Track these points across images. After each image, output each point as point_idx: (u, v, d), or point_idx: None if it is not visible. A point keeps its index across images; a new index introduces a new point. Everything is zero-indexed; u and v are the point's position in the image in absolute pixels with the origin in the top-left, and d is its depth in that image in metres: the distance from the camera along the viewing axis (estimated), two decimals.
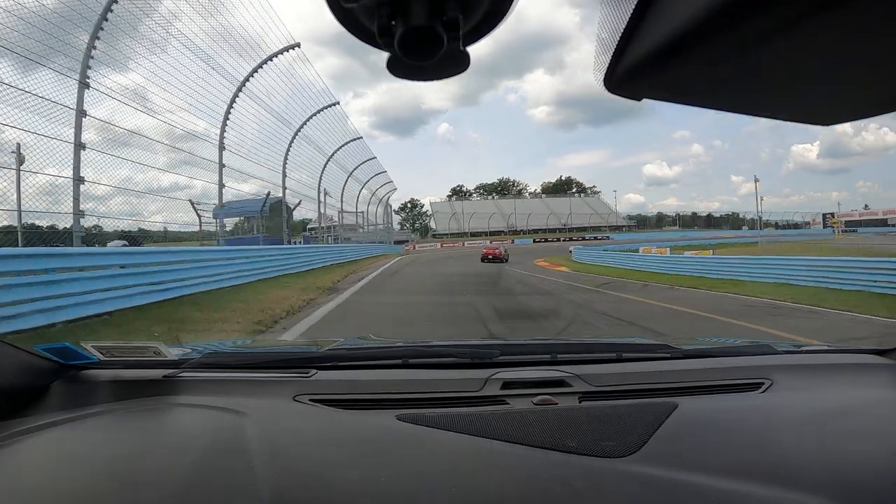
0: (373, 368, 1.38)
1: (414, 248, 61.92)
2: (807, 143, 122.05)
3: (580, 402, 1.18)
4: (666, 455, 0.93)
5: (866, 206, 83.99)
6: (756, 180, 45.81)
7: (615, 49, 0.42)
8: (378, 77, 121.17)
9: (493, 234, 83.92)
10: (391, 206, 48.84)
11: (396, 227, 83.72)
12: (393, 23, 0.44)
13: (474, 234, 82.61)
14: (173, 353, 1.41)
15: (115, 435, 1.06)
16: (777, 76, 0.42)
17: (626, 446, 0.95)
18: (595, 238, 75.37)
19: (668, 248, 26.37)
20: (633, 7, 0.39)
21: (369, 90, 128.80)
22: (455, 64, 0.49)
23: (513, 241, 71.26)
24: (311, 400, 1.17)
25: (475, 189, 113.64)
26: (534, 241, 73.89)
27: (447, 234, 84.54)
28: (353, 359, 1.46)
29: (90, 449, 1.00)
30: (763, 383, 1.28)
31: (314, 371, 1.31)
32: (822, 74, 0.42)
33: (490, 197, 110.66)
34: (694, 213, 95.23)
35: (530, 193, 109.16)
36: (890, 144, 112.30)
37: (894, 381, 1.36)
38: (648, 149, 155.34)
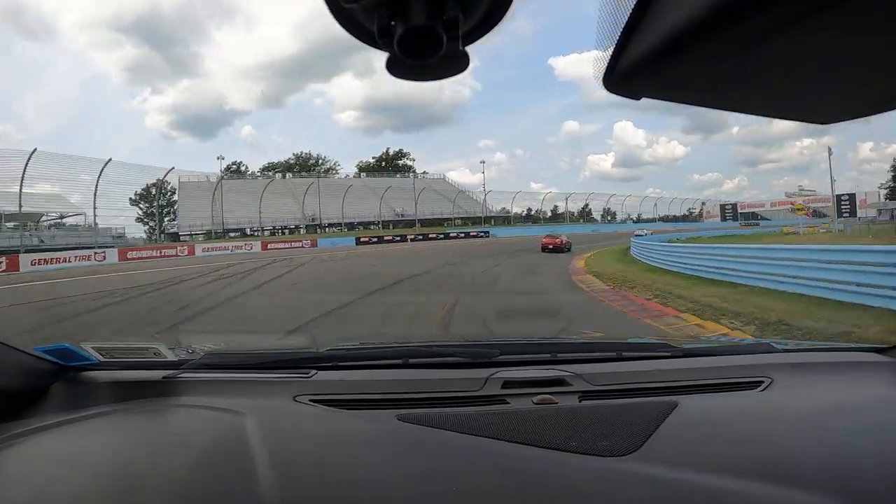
0: (373, 368, 1.37)
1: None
2: (602, 154, 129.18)
3: (580, 401, 1.17)
4: (666, 454, 0.93)
5: (699, 203, 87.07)
6: (830, 152, 41.58)
7: (614, 48, 0.42)
8: (180, 72, 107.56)
9: (281, 231, 55.36)
10: None
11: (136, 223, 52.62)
12: (392, 23, 0.43)
13: (248, 235, 51.59)
14: (173, 354, 1.41)
15: (115, 436, 1.06)
16: (776, 75, 0.41)
17: (627, 445, 0.94)
18: (467, 234, 54.16)
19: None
20: (633, 6, 0.39)
21: (170, 86, 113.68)
22: (454, 64, 0.48)
23: (315, 244, 42.34)
24: (311, 400, 1.16)
25: (261, 170, 76.93)
26: (357, 240, 44.65)
27: (193, 235, 49.89)
28: (354, 359, 1.46)
29: (90, 450, 1.00)
30: (763, 382, 1.26)
31: (314, 371, 1.31)
32: (821, 73, 0.41)
33: (281, 176, 71.27)
34: (554, 208, 78.19)
35: (338, 178, 73.58)
36: (678, 156, 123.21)
37: (894, 380, 1.35)
38: (453, 157, 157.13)
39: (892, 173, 63.95)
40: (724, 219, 78.00)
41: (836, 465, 0.91)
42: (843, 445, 0.98)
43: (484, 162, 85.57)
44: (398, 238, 47.13)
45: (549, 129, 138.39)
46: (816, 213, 78.40)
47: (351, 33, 0.45)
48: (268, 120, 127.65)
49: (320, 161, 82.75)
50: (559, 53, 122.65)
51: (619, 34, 0.40)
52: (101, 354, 1.33)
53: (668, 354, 1.47)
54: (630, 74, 0.42)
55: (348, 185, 58.35)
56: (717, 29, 0.35)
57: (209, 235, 49.46)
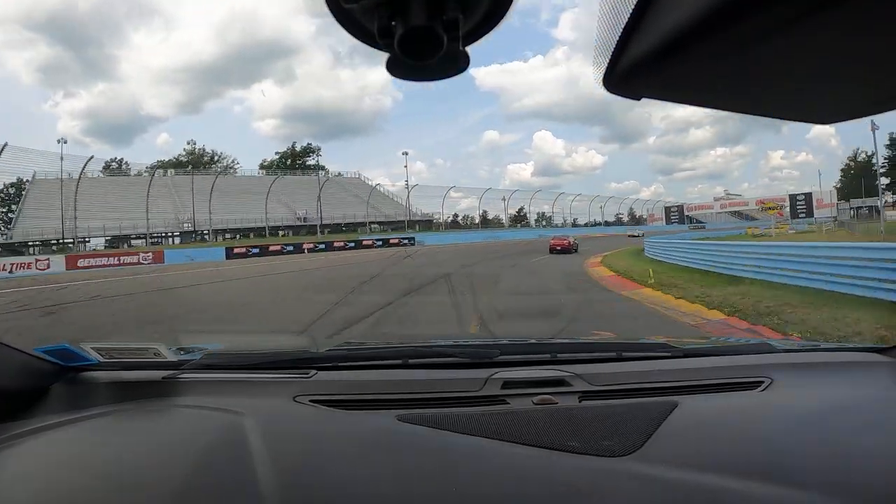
0: (373, 369, 1.37)
1: None
2: (521, 163, 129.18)
3: (580, 401, 1.17)
4: (666, 454, 0.93)
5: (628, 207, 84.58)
6: (874, 127, 34.01)
7: (614, 48, 0.41)
8: (94, 74, 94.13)
9: (170, 238, 45.63)
10: None
11: None
12: (393, 23, 0.43)
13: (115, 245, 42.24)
14: (173, 354, 1.42)
15: (115, 437, 1.06)
16: (776, 75, 0.41)
17: (627, 445, 0.94)
18: (386, 242, 43.74)
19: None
20: (633, 6, 0.38)
21: (83, 90, 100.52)
22: (454, 64, 0.48)
23: (160, 259, 31.19)
24: (311, 401, 1.15)
25: (148, 168, 62.10)
26: (229, 252, 34.04)
27: (34, 247, 38.99)
28: (353, 359, 1.46)
29: (90, 451, 1.00)
30: (763, 382, 1.26)
31: (314, 371, 1.30)
32: (821, 73, 0.41)
33: (162, 173, 58.86)
34: (485, 215, 68.64)
35: (237, 177, 61.73)
36: (596, 165, 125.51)
37: (894, 379, 1.35)
38: (374, 165, 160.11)
39: (841, 176, 63.91)
40: (668, 221, 75.24)
41: (836, 465, 0.91)
42: (843, 445, 0.98)
43: (407, 153, 75.41)
44: (289, 248, 36.17)
45: (470, 138, 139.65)
46: (747, 216, 77.26)
47: (351, 33, 0.45)
48: (185, 127, 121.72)
49: (216, 158, 69.40)
50: (481, 64, 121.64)
51: (619, 34, 0.40)
52: (101, 355, 1.32)
53: (669, 354, 1.47)
54: (630, 74, 0.42)
55: (214, 181, 46.14)
56: (717, 29, 0.35)
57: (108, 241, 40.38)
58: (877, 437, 1.02)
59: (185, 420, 1.12)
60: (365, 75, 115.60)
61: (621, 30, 0.40)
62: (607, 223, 75.44)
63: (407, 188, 59.00)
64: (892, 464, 0.92)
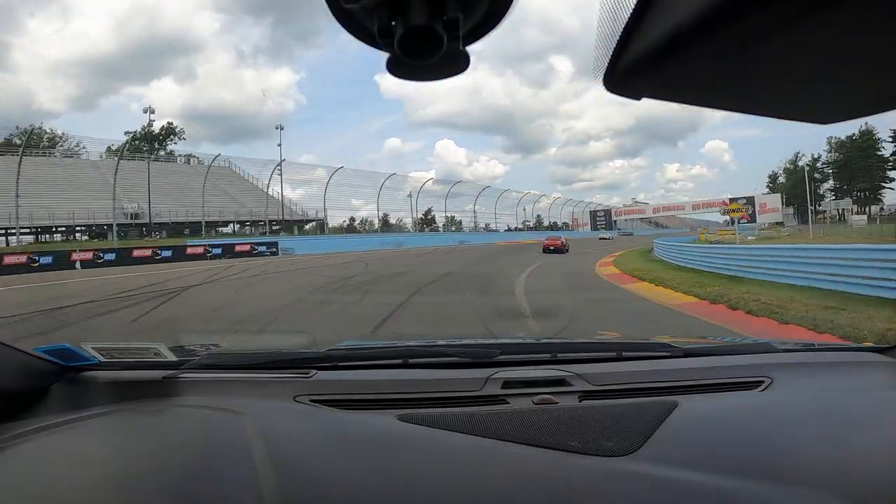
0: (373, 368, 1.37)
1: None
2: (423, 171, 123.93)
3: (580, 401, 1.17)
4: (666, 454, 0.93)
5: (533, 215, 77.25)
6: None
7: (614, 48, 0.41)
8: None
9: None
10: None
11: None
12: (393, 23, 0.43)
13: None
14: (173, 354, 1.41)
15: (115, 436, 1.07)
16: (776, 74, 0.41)
17: (627, 445, 0.94)
18: (229, 249, 30.27)
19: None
20: (633, 6, 0.38)
21: None
22: (455, 64, 0.48)
23: None
24: (311, 400, 1.16)
25: None
26: None
27: None
28: (354, 359, 1.46)
29: (91, 451, 1.00)
30: (763, 381, 1.26)
31: (314, 371, 1.30)
32: (821, 72, 0.41)
33: None
34: (385, 218, 59.46)
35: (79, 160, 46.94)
36: (498, 174, 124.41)
37: (894, 379, 1.35)
38: (275, 171, 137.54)
39: (768, 182, 62.27)
40: (594, 227, 70.70)
41: (836, 465, 0.91)
42: (844, 445, 0.99)
43: (281, 127, 53.37)
44: (45, 259, 21.88)
45: (372, 145, 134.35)
46: (659, 224, 73.74)
47: (351, 33, 0.45)
48: (78, 124, 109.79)
49: (59, 139, 53.39)
50: (386, 70, 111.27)
51: (619, 34, 0.40)
52: (101, 354, 1.32)
53: (669, 354, 1.46)
54: (630, 74, 0.42)
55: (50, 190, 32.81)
56: (718, 28, 0.34)
57: None
58: (877, 437, 1.02)
59: (186, 420, 1.12)
60: (269, 77, 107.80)
61: (621, 30, 0.39)
62: (530, 228, 68.90)
63: (279, 169, 46.20)
64: (892, 464, 0.92)
